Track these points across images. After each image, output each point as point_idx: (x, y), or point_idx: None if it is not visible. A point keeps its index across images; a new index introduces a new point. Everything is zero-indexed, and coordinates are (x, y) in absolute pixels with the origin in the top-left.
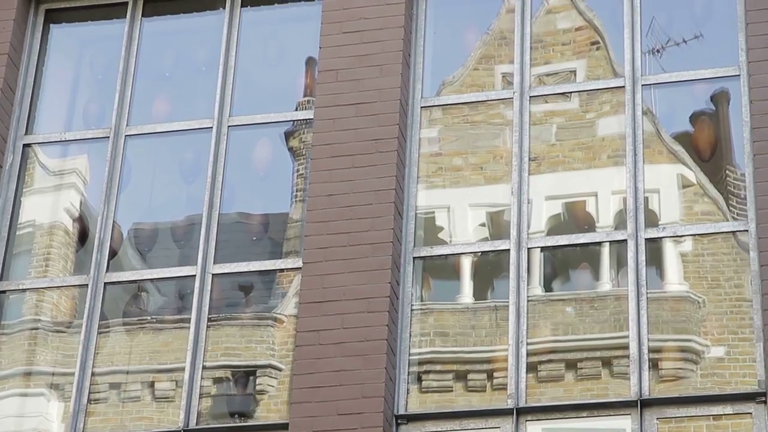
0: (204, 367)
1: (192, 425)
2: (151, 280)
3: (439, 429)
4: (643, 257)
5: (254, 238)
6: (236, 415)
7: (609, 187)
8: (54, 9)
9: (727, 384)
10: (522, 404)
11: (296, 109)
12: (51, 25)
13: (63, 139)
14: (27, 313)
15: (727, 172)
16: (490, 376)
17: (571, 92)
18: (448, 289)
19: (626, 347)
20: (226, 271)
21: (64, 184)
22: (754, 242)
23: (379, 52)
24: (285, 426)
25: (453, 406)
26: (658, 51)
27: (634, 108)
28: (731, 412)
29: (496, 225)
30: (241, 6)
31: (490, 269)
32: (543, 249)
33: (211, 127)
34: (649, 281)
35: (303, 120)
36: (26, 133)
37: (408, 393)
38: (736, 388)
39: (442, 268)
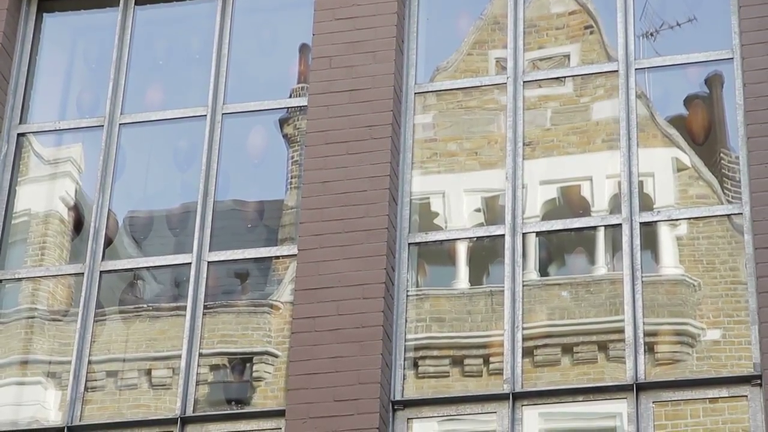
0: (200, 355)
1: (189, 412)
2: (147, 268)
3: (435, 414)
4: (638, 241)
5: (249, 226)
6: (233, 402)
7: (603, 171)
8: None
9: (723, 367)
10: (518, 389)
11: (290, 96)
12: (44, 14)
13: (57, 128)
14: (23, 302)
15: (721, 155)
16: (486, 361)
17: (564, 77)
18: (444, 275)
19: (622, 331)
20: (222, 258)
21: (59, 172)
22: (749, 225)
23: (373, 38)
24: (282, 413)
25: (449, 391)
26: (651, 35)
27: (628, 92)
28: (727, 395)
29: (491, 210)
30: None
31: (486, 254)
32: (538, 234)
33: (206, 115)
34: (645, 265)
35: (297, 107)
36: (20, 123)
37: (404, 379)
38: (731, 371)
39: (438, 254)
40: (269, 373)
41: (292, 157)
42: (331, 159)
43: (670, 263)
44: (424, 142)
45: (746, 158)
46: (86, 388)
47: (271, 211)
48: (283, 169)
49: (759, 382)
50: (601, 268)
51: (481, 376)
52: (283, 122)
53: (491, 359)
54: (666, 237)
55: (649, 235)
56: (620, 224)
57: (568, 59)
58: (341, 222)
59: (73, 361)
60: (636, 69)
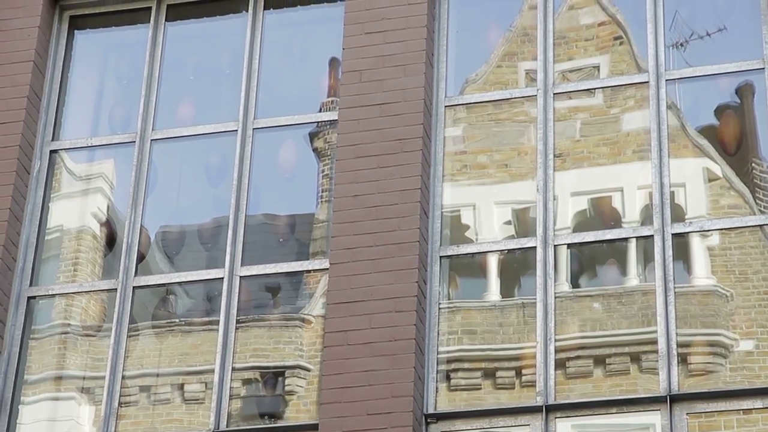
0: (233, 369)
1: (222, 427)
2: (179, 283)
3: (468, 427)
4: (670, 252)
5: (281, 240)
6: (266, 416)
7: (635, 182)
8: (78, 15)
9: (757, 378)
10: (551, 401)
11: (320, 110)
12: (75, 31)
13: (89, 145)
14: (57, 317)
15: (753, 165)
16: (518, 373)
17: (595, 88)
18: (475, 287)
19: (655, 342)
20: (254, 273)
21: (91, 188)
22: None
23: (403, 51)
24: (315, 426)
25: (482, 404)
26: (681, 45)
27: (658, 103)
28: (761, 406)
29: (522, 222)
30: (264, 8)
31: (517, 267)
32: (569, 246)
33: (236, 130)
34: (677, 276)
35: (327, 121)
36: (53, 139)
37: (437, 392)
38: (765, 382)
39: (469, 267)
40: (302, 387)
41: (323, 171)
42: (361, 173)
43: (702, 274)
44: (455, 155)
45: None
46: (120, 403)
47: (303, 225)
48: (314, 182)
49: None
50: (633, 280)
51: (514, 388)
52: (313, 136)
53: (524, 371)
54: (698, 248)
55: (680, 245)
56: (652, 235)
57: (598, 70)
58: (373, 235)
59: (107, 376)
60: (666, 80)
